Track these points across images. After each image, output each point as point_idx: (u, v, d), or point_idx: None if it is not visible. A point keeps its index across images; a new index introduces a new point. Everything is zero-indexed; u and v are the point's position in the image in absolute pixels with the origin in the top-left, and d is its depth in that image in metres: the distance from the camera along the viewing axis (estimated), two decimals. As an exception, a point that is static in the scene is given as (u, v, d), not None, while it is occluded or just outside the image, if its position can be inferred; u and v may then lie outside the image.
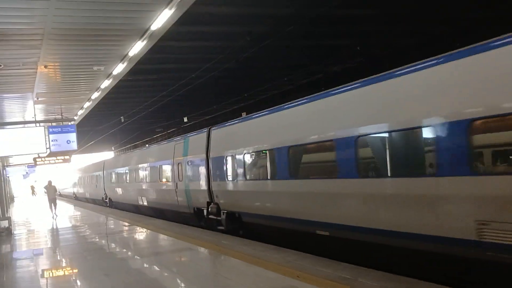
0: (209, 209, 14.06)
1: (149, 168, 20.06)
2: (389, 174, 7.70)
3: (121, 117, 31.23)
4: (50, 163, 20.51)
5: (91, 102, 21.69)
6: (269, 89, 25.36)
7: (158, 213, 19.59)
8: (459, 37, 17.15)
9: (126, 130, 39.95)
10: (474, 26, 17.30)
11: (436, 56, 7.15)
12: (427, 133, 7.05)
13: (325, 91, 9.70)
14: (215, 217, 13.76)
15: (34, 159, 20.84)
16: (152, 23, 11.34)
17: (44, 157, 21.00)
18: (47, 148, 15.94)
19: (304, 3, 14.83)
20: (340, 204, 8.57)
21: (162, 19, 11.04)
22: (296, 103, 10.53)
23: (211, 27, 15.71)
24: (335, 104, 9.13)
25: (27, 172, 44.11)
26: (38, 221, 21.94)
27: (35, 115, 20.95)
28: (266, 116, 11.62)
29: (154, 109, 28.69)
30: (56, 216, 22.36)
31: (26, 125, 18.32)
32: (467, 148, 6.32)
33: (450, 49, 7.35)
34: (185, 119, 32.17)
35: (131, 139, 50.02)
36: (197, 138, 15.39)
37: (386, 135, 7.88)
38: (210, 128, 14.76)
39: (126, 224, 17.37)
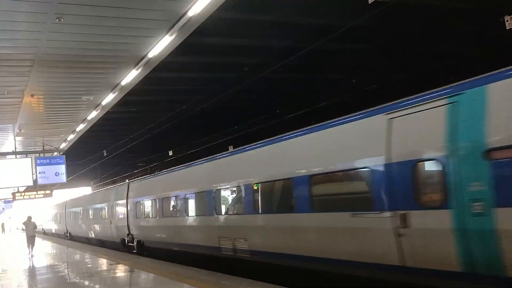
0: (128, 239, 19.86)
1: (94, 209, 26.09)
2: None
3: (104, 151, 30.39)
4: (30, 198, 19.49)
5: (75, 134, 20.98)
6: (259, 122, 24.97)
7: (101, 243, 25.24)
8: (451, 73, 17.16)
9: (106, 164, 38.93)
10: (467, 62, 17.32)
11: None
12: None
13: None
14: (132, 244, 19.43)
15: (13, 193, 19.79)
16: (150, 50, 10.92)
17: (24, 192, 19.98)
18: (33, 181, 15.10)
19: (300, 37, 14.59)
20: (180, 232, 14.73)
21: (160, 46, 10.63)
22: (171, 170, 16.61)
23: (204, 58, 15.37)
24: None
25: (3, 208, 42.38)
26: (14, 260, 20.67)
27: (15, 148, 20.08)
28: (158, 177, 18.05)
29: (138, 142, 27.96)
30: (33, 256, 20.99)
31: (7, 157, 17.41)
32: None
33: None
34: (170, 153, 31.44)
35: (111, 174, 48.82)
36: (123, 188, 21.31)
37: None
38: (129, 182, 21.21)
39: (112, 262, 16.41)
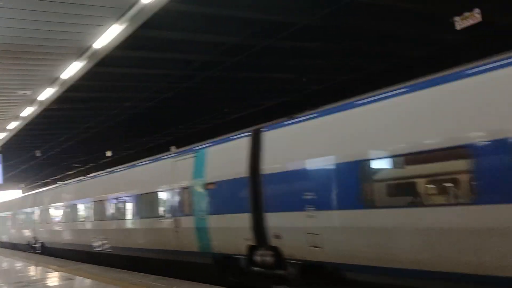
0: (33, 241, 23.70)
1: (7, 215, 29.41)
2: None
3: (37, 151, 28.64)
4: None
5: (7, 133, 19.49)
6: (204, 122, 24.42)
7: (14, 246, 28.41)
8: (399, 74, 17.40)
9: (38, 165, 36.81)
10: (414, 63, 17.62)
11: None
12: None
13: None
14: (36, 245, 23.33)
15: None
16: (96, 40, 10.16)
17: None
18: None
19: (252, 33, 14.23)
20: (67, 235, 18.88)
21: (108, 36, 9.91)
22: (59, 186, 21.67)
23: (153, 53, 14.59)
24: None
25: None
26: None
27: None
28: (53, 190, 21.91)
29: (75, 142, 26.54)
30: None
31: None
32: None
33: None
34: (109, 153, 30.18)
35: (45, 176, 46.28)
36: (30, 197, 25.20)
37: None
38: (35, 193, 25.06)
39: (49, 270, 15.30)
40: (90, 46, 10.47)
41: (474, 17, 11.71)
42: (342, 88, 19.99)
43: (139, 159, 14.93)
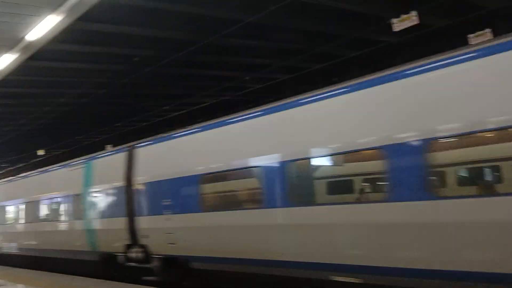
0: None
1: None
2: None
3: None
4: None
5: None
6: (143, 119, 23.82)
7: None
8: (335, 74, 17.79)
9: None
10: (351, 63, 18.01)
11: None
12: None
13: None
14: None
15: None
16: (29, 32, 9.56)
17: None
18: None
19: (193, 29, 14.00)
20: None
21: (43, 27, 9.35)
22: None
23: (90, 47, 14.01)
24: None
25: None
26: None
27: None
28: None
29: (5, 140, 25.09)
30: None
31: None
32: None
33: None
34: (41, 152, 28.76)
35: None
36: None
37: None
38: None
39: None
40: (23, 38, 9.84)
41: (411, 19, 12.17)
42: (283, 87, 20.19)
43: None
